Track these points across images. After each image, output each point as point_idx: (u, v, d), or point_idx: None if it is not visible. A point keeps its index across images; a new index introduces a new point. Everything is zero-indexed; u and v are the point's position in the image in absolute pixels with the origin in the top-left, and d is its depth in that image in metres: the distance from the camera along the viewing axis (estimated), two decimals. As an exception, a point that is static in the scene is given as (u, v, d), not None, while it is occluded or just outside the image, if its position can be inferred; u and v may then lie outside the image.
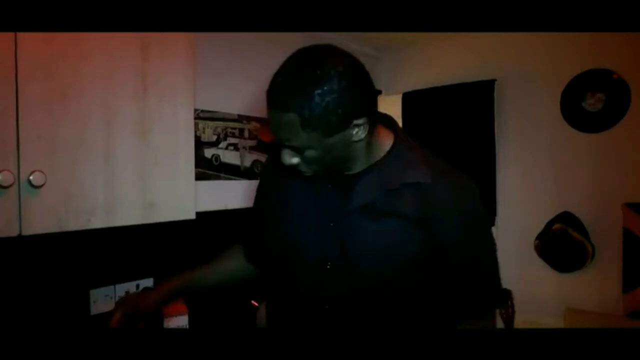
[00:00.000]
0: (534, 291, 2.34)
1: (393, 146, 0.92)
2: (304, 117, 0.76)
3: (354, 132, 0.82)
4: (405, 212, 0.87)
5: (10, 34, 1.03)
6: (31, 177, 1.05)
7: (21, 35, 1.04)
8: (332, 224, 0.91)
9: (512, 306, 2.19)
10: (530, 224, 2.35)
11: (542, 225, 2.29)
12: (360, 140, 0.84)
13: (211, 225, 1.91)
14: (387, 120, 0.98)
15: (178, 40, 1.37)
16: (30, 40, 1.06)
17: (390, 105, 2.79)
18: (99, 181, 1.20)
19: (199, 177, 1.51)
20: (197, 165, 1.47)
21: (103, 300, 1.58)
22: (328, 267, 0.91)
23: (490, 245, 0.95)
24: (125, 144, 1.25)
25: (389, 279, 0.89)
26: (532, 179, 2.39)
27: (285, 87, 0.77)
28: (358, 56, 0.84)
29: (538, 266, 2.31)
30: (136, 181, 1.28)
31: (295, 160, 0.86)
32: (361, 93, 0.80)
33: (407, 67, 2.85)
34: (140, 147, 1.29)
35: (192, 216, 1.44)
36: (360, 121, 0.81)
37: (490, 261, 0.95)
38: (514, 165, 2.45)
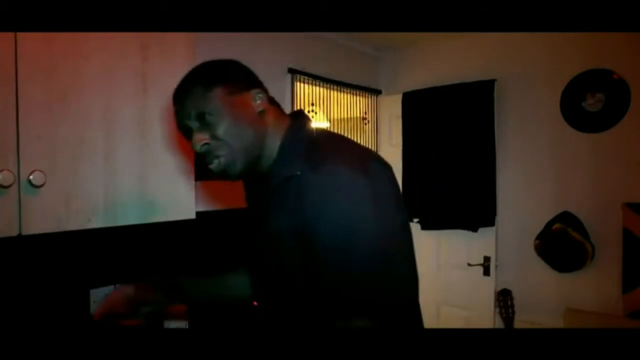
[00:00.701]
0: (534, 291, 2.35)
1: (282, 143, 0.90)
2: (207, 81, 0.86)
3: (255, 102, 0.88)
4: (284, 210, 0.83)
5: (10, 34, 1.03)
6: (31, 177, 1.05)
7: (21, 35, 1.04)
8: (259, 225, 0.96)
9: (512, 306, 2.19)
10: (530, 224, 2.35)
11: (542, 225, 2.29)
12: (261, 112, 0.88)
13: (211, 225, 1.91)
14: (296, 114, 0.97)
15: (178, 40, 1.37)
16: (30, 40, 1.06)
17: (390, 105, 2.79)
18: (99, 181, 1.20)
19: (199, 177, 1.50)
20: (197, 165, 1.47)
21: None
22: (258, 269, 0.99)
23: (362, 247, 0.75)
24: (125, 144, 1.25)
25: (283, 281, 0.89)
26: (532, 179, 2.39)
27: (186, 80, 0.90)
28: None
29: (538, 266, 2.31)
30: (136, 181, 1.28)
31: (205, 137, 0.85)
32: (251, 74, 0.92)
33: (407, 67, 2.85)
34: (140, 147, 1.29)
35: (192, 216, 1.44)
36: (257, 90, 0.89)
37: (361, 267, 0.75)
38: (514, 165, 2.45)
